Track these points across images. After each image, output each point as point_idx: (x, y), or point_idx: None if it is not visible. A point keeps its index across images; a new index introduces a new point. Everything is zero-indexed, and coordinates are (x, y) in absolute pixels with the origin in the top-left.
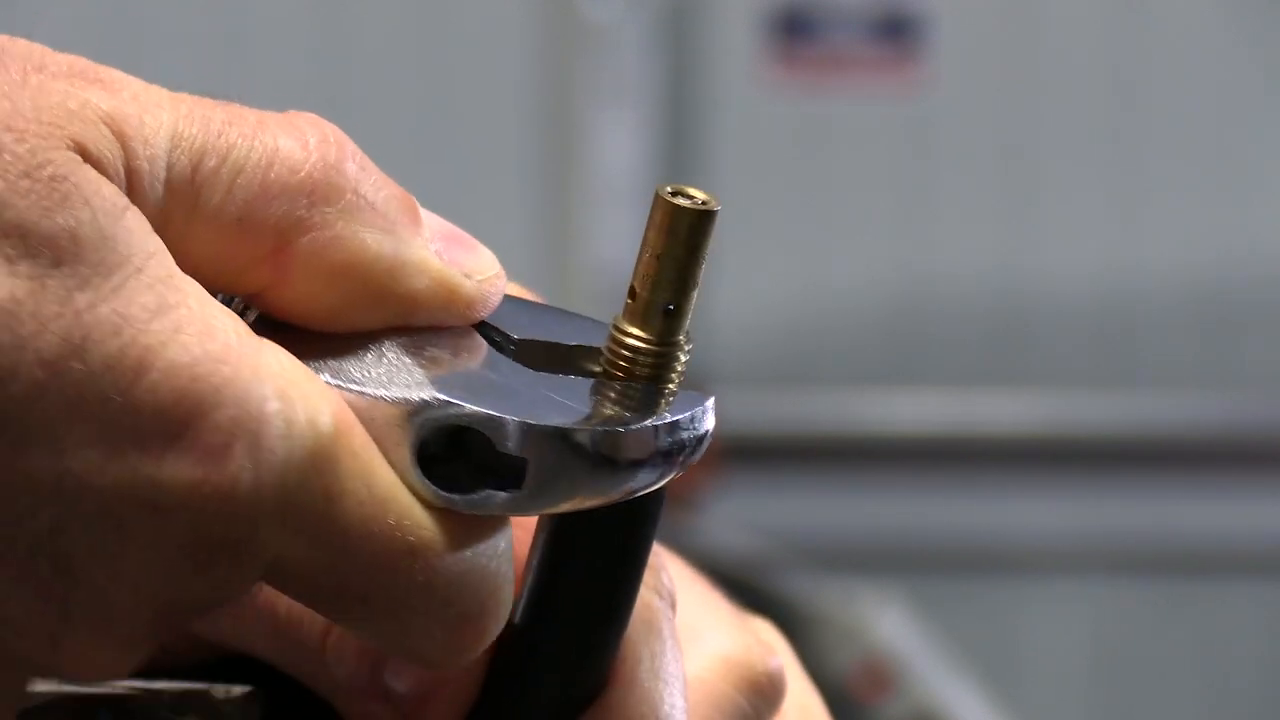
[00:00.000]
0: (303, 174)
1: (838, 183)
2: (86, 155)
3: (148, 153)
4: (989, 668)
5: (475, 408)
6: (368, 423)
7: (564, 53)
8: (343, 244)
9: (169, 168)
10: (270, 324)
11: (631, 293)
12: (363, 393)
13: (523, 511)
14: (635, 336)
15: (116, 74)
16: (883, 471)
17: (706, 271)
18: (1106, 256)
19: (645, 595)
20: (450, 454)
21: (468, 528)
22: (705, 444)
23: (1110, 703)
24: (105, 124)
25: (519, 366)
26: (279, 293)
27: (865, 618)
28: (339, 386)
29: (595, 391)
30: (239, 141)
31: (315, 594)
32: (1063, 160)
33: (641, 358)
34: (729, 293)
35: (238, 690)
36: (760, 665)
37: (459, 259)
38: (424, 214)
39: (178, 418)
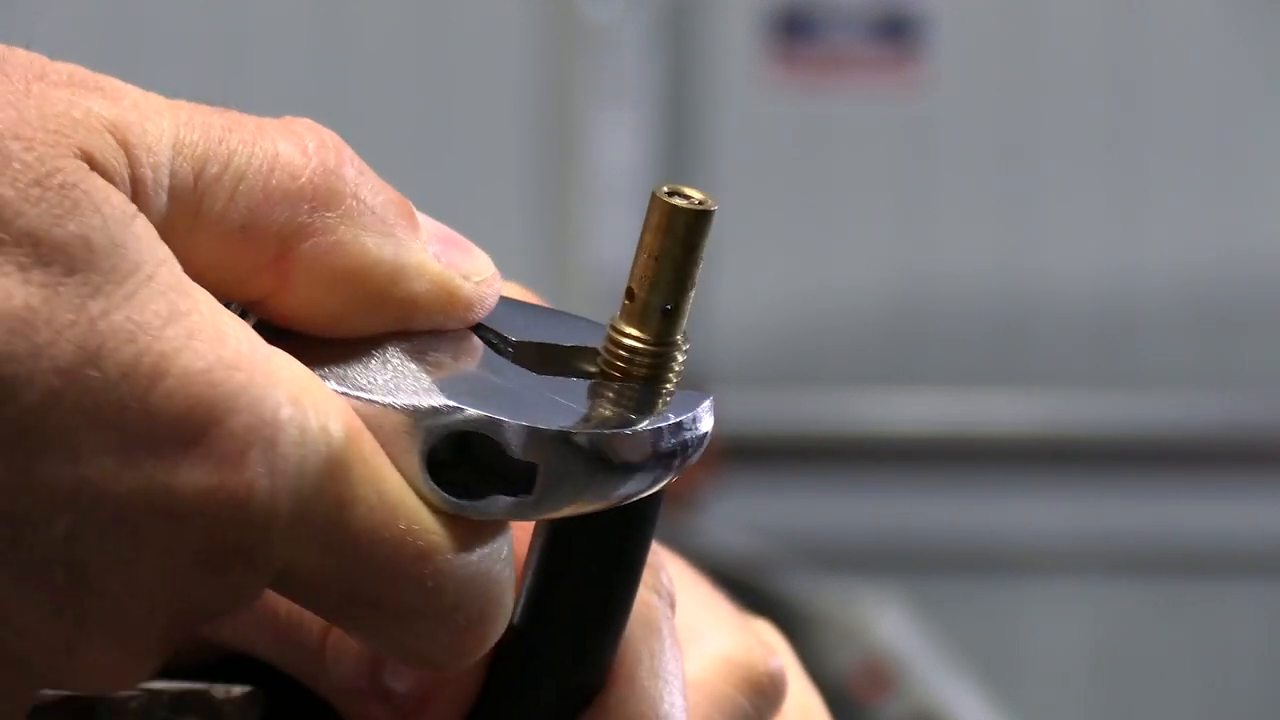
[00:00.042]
0: (304, 179)
1: (838, 183)
2: (93, 163)
3: (151, 160)
4: (989, 668)
5: (485, 413)
6: (376, 429)
7: (564, 53)
8: (345, 249)
9: (172, 175)
10: (270, 330)
11: (629, 293)
12: (371, 400)
13: (529, 516)
14: (633, 337)
15: (114, 82)
16: (883, 471)
17: (703, 271)
18: (1106, 256)
19: (644, 594)
20: (456, 459)
21: (474, 532)
22: (705, 444)
23: (1110, 703)
24: (110, 132)
25: (520, 369)
26: (280, 299)
27: (865, 618)
28: (345, 394)
29: (597, 393)
30: (240, 148)
31: (323, 600)
32: (1063, 160)
33: (639, 358)
34: (729, 293)
35: (238, 690)
36: (761, 666)
37: (456, 261)
38: (420, 217)
39: (193, 424)
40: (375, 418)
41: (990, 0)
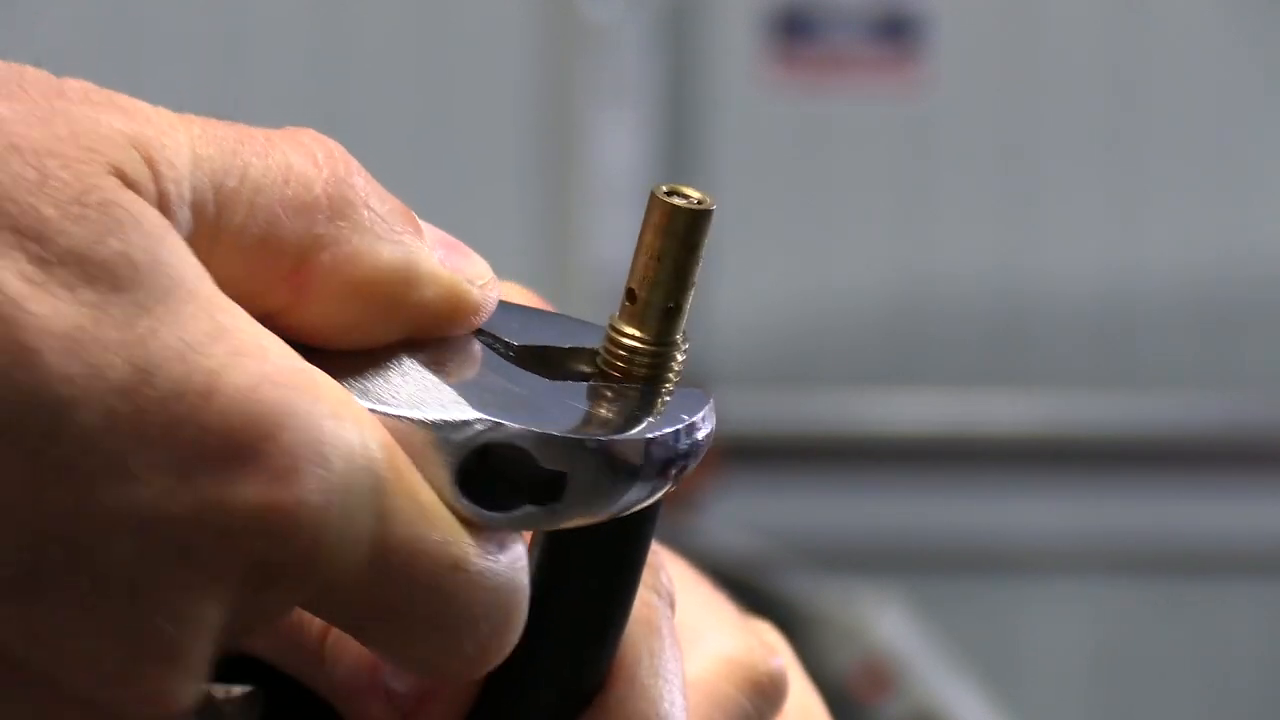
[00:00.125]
0: (318, 190)
1: (838, 183)
2: (125, 180)
3: (173, 175)
4: (989, 668)
5: (516, 425)
6: (405, 443)
7: (564, 53)
8: (361, 259)
9: (192, 190)
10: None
11: (629, 294)
12: (399, 415)
13: (555, 524)
14: (633, 337)
15: (126, 97)
16: (883, 471)
17: (703, 271)
18: (1106, 256)
19: (644, 594)
20: (480, 469)
21: (500, 541)
22: (708, 445)
23: (1110, 703)
24: (134, 148)
25: (529, 374)
26: (296, 311)
27: (865, 618)
28: (373, 409)
29: (603, 395)
30: (254, 160)
31: (350, 613)
32: (1063, 160)
33: (639, 358)
34: (729, 293)
35: (238, 690)
36: (762, 666)
37: (460, 266)
38: (422, 224)
39: (246, 442)
40: (404, 431)
41: (990, 0)
